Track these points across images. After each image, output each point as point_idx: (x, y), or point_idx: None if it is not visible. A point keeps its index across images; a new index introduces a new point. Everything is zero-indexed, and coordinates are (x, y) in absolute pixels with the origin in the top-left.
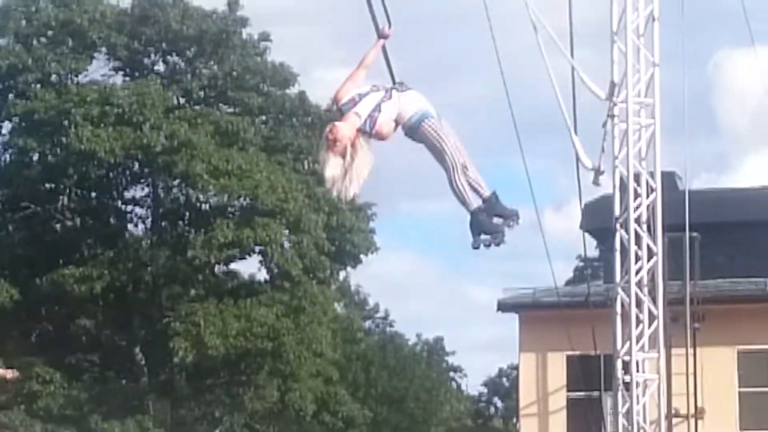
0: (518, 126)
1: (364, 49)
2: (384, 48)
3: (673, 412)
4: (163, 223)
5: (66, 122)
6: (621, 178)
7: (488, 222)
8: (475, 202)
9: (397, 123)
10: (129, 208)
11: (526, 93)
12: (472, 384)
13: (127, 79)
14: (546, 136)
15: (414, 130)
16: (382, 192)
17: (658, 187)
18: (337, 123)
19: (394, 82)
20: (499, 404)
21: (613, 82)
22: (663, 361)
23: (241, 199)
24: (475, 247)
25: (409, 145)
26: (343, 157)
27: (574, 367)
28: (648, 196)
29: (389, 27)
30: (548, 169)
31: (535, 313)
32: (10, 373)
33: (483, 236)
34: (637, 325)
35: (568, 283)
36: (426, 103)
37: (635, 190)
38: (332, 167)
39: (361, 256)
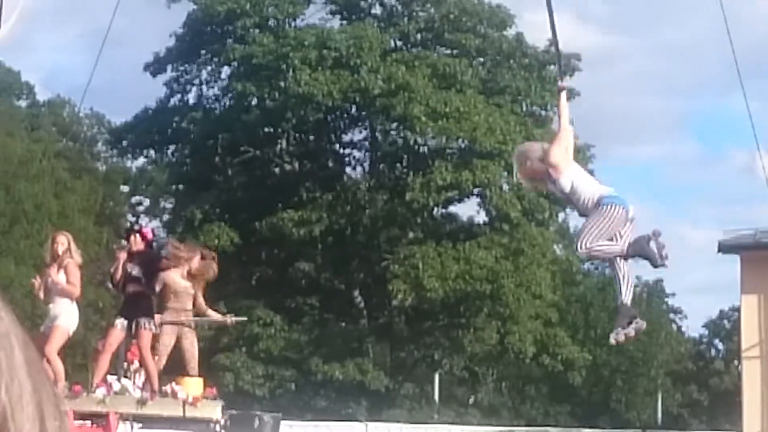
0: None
1: None
2: None
3: None
4: (381, 166)
5: (284, 66)
6: None
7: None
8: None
9: None
10: (347, 151)
11: (745, 32)
12: (693, 326)
13: (344, 22)
14: (763, 77)
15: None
16: (598, 136)
17: None
18: None
19: None
20: (720, 346)
21: None
22: None
23: (460, 141)
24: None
25: (626, 91)
26: None
27: None
28: None
29: None
30: (764, 109)
31: (757, 254)
32: (230, 319)
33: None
34: None
35: None
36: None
37: None
38: None
39: None
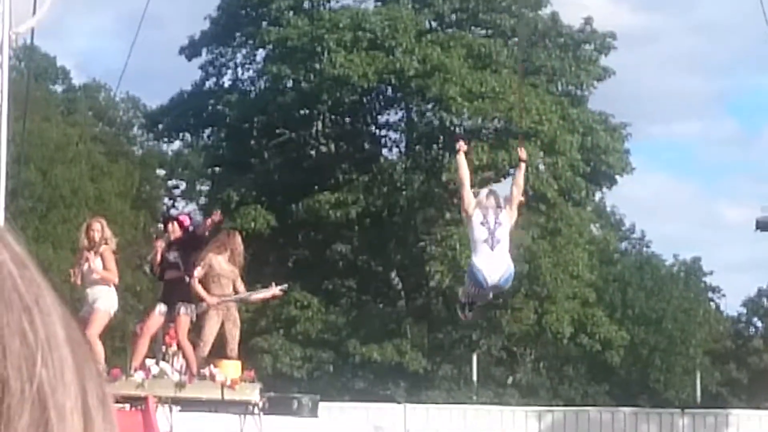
0: None
1: None
2: None
3: None
4: (417, 147)
5: (319, 48)
6: None
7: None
8: None
9: None
10: (383, 132)
11: None
12: (731, 304)
13: (379, 3)
14: None
15: None
16: (634, 114)
17: None
18: None
19: None
20: (759, 324)
21: None
22: None
23: (495, 121)
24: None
25: (661, 69)
26: None
27: None
28: None
29: None
30: None
31: None
32: (275, 289)
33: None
34: None
35: None
36: None
37: None
38: None
39: (617, 176)
